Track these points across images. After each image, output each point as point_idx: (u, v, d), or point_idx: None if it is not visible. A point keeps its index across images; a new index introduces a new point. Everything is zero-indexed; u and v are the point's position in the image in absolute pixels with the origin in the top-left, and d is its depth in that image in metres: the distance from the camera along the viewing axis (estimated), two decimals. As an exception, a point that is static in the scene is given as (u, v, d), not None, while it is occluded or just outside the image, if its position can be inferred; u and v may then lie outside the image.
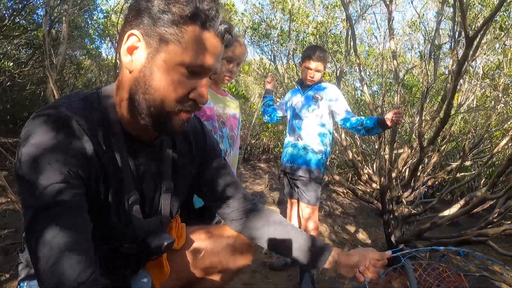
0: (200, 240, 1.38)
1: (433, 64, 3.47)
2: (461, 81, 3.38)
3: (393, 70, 3.26)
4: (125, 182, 0.97)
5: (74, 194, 0.81)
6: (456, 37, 2.82)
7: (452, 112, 2.58)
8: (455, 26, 2.86)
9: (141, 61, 0.86)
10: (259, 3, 6.51)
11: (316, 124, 2.81)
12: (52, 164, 0.78)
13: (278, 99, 5.08)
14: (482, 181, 5.02)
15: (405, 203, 3.25)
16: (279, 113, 3.15)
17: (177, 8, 0.81)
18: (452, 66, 2.85)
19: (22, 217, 0.82)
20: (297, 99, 2.94)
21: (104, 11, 6.54)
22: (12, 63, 4.19)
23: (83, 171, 0.85)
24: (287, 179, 3.06)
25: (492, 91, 4.10)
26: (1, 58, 4.04)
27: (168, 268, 1.27)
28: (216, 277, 1.40)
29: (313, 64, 2.75)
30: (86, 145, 0.85)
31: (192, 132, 1.22)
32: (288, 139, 2.98)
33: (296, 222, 3.12)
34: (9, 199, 3.41)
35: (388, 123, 2.39)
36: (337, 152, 5.65)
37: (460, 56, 2.04)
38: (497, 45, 3.98)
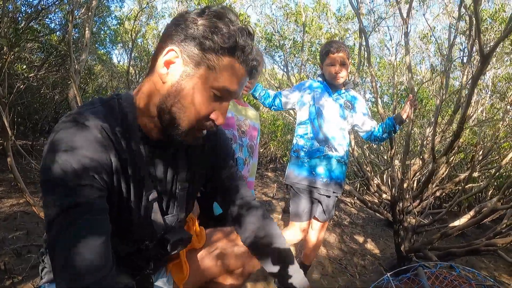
0: (218, 242, 1.44)
1: (445, 78, 3.50)
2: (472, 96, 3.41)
3: (407, 83, 3.28)
4: (145, 181, 1.02)
5: (96, 196, 0.85)
6: (470, 52, 2.85)
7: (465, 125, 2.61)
8: (469, 42, 2.89)
9: (176, 76, 0.93)
10: (273, 14, 6.59)
11: (346, 134, 2.58)
12: (76, 167, 0.83)
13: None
14: (490, 193, 5.05)
15: (416, 213, 3.26)
16: (283, 105, 2.69)
17: (219, 38, 0.89)
18: (466, 80, 2.89)
19: (44, 219, 0.84)
20: (326, 102, 2.55)
21: (118, 17, 6.61)
22: (25, 66, 4.22)
23: (106, 174, 0.90)
24: (309, 195, 2.54)
25: (500, 103, 4.13)
26: (14, 62, 4.08)
27: (188, 267, 1.32)
28: (232, 278, 1.44)
29: (335, 58, 2.44)
30: (109, 149, 0.91)
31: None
32: (316, 146, 2.51)
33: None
34: (19, 201, 3.45)
35: (405, 115, 2.41)
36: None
37: (474, 72, 2.08)
38: (506, 58, 4.02)
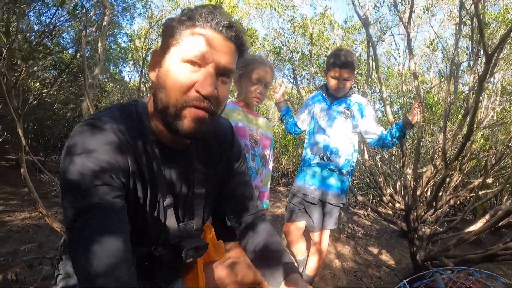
0: (235, 254, 1.37)
1: (453, 82, 3.47)
2: (480, 97, 3.37)
3: (414, 89, 3.26)
4: (159, 186, 1.01)
5: (114, 196, 0.85)
6: (475, 54, 2.84)
7: (474, 127, 2.57)
8: (473, 44, 2.89)
9: (158, 68, 0.98)
10: (280, 28, 6.65)
11: (345, 143, 2.52)
12: (93, 168, 0.83)
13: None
14: (504, 198, 4.93)
15: (430, 220, 3.19)
16: (301, 127, 2.77)
17: (179, 17, 0.95)
18: (473, 82, 2.87)
19: (63, 221, 0.85)
20: (322, 110, 2.60)
21: (128, 35, 6.76)
22: (38, 83, 4.33)
23: (123, 175, 0.90)
24: (300, 201, 2.64)
25: (511, 105, 4.07)
26: (28, 77, 4.21)
27: (204, 279, 1.26)
28: None
29: (340, 73, 2.42)
30: (125, 151, 0.92)
31: (220, 136, 1.24)
32: (309, 155, 2.61)
33: (302, 248, 2.74)
34: (31, 214, 3.49)
35: (415, 119, 2.39)
36: (356, 174, 5.62)
37: (480, 73, 2.07)
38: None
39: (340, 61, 2.41)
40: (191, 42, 0.92)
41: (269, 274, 1.19)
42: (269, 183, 2.38)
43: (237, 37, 0.97)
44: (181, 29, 0.93)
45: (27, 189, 3.60)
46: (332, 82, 2.50)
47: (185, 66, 0.92)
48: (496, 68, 3.01)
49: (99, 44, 2.69)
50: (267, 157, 2.27)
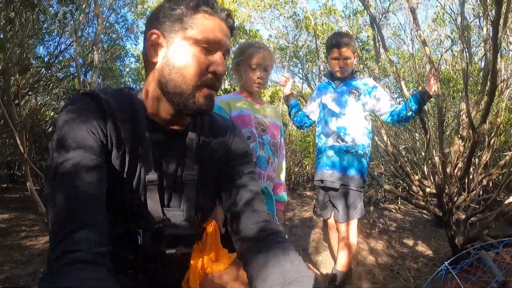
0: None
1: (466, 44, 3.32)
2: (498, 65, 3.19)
3: (427, 56, 3.10)
4: (143, 159, 0.99)
5: (92, 158, 0.85)
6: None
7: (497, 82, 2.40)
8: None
9: (163, 50, 1.00)
10: (283, 26, 6.68)
11: (357, 123, 2.51)
12: (73, 130, 0.86)
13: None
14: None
15: (466, 197, 2.98)
16: (312, 118, 2.77)
17: (184, 2, 0.98)
18: (486, 33, 2.71)
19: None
20: (330, 95, 2.61)
21: (136, 56, 6.87)
22: (52, 113, 4.44)
23: (104, 138, 0.91)
24: (324, 195, 2.68)
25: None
26: (41, 108, 4.30)
27: (197, 281, 1.13)
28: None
29: (339, 52, 2.46)
30: (109, 118, 0.93)
31: (220, 128, 1.20)
32: (324, 140, 2.59)
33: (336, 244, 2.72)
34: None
35: (431, 88, 2.26)
36: (381, 166, 5.46)
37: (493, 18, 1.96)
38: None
39: (336, 41, 2.47)
40: (206, 29, 0.98)
41: (256, 269, 0.93)
42: (283, 174, 2.24)
43: (233, 24, 1.07)
44: (192, 13, 0.98)
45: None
46: (333, 64, 2.54)
47: (201, 50, 0.98)
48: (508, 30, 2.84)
49: (95, 53, 2.68)
50: (278, 145, 2.15)
